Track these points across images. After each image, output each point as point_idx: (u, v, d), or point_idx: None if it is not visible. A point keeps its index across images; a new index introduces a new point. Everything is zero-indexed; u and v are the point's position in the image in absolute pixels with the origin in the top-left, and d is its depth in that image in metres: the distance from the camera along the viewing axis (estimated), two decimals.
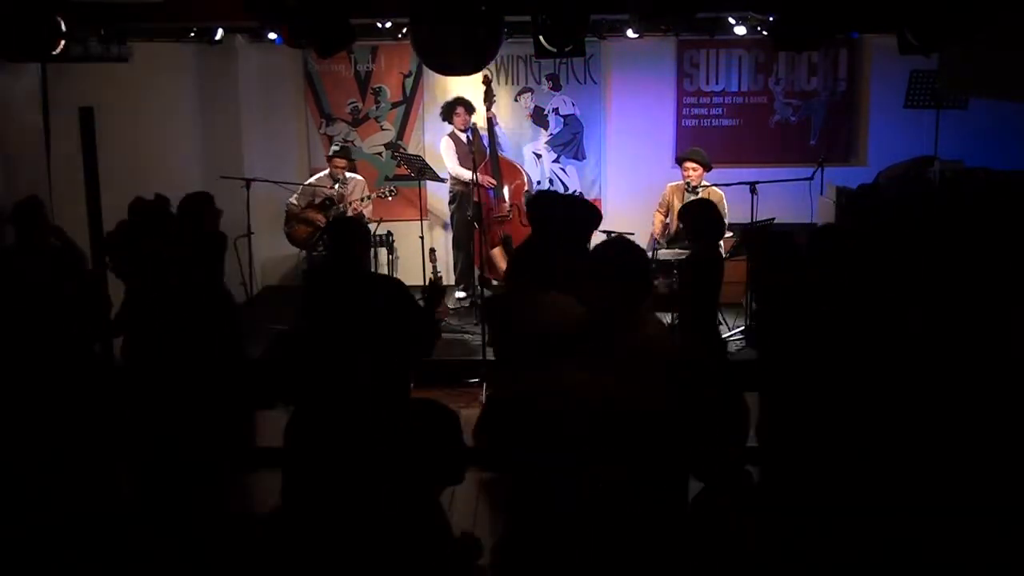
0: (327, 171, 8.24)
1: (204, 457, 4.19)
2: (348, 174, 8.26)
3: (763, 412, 4.00)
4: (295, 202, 8.15)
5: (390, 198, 8.25)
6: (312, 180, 8.26)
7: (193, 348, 4.14)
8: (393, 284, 4.70)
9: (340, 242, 4.49)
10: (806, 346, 3.71)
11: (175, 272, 4.39)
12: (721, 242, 7.54)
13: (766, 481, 3.99)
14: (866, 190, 6.44)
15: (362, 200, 8.11)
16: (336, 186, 8.17)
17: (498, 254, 8.13)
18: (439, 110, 8.54)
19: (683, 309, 4.90)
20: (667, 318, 6.68)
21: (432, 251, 8.13)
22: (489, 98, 8.17)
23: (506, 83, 9.04)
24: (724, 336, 7.41)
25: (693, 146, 8.28)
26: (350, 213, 8.06)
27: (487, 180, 7.98)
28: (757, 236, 5.92)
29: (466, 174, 8.06)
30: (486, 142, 8.18)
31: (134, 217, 5.38)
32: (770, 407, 3.83)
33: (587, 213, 4.84)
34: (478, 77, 7.93)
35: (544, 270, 3.93)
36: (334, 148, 8.59)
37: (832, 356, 3.65)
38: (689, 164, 7.71)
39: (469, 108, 8.27)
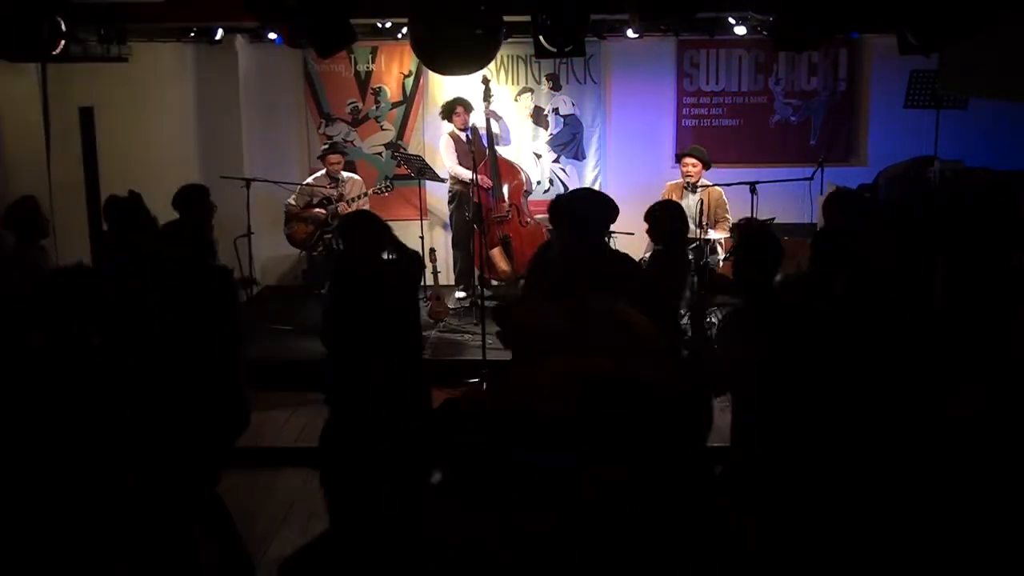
0: (324, 171, 8.23)
1: (203, 456, 4.18)
2: (344, 173, 8.25)
3: (759, 410, 4.00)
4: (293, 203, 8.14)
5: (387, 193, 8.24)
6: (310, 180, 8.25)
7: (193, 348, 4.14)
8: (403, 264, 4.77)
9: (349, 238, 4.55)
10: (801, 345, 3.71)
11: (175, 272, 4.39)
12: (721, 241, 7.60)
13: (762, 480, 3.98)
14: (845, 192, 6.36)
15: (359, 198, 8.10)
16: (334, 185, 8.15)
17: (497, 254, 8.14)
18: (439, 109, 8.54)
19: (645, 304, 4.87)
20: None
21: (432, 251, 8.14)
22: (487, 96, 8.17)
23: (506, 83, 9.04)
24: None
25: (695, 145, 8.28)
26: (350, 209, 8.05)
27: (484, 181, 7.98)
28: (751, 232, 5.82)
29: (465, 173, 8.06)
30: (485, 142, 8.19)
31: (109, 215, 5.37)
32: (764, 406, 3.83)
33: (601, 210, 4.85)
34: (477, 77, 7.94)
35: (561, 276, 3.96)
36: (323, 147, 8.56)
37: (830, 355, 3.65)
38: (689, 160, 7.67)
39: (468, 108, 8.26)
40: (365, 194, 8.14)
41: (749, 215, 7.36)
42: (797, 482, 3.54)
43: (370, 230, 4.69)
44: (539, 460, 2.80)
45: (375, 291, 4.36)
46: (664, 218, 5.11)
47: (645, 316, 3.42)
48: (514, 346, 3.75)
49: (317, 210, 8.04)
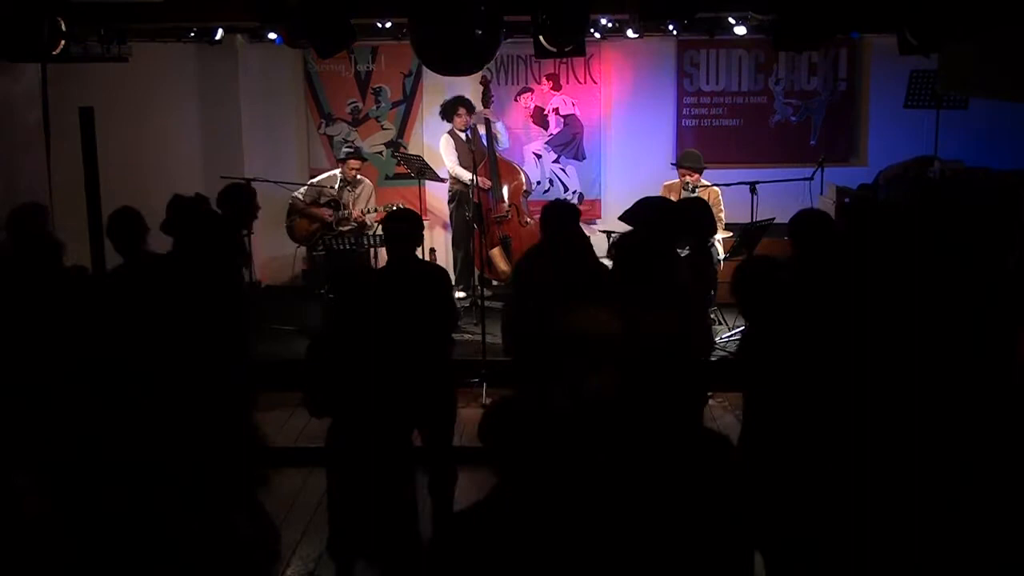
0: (338, 170, 8.23)
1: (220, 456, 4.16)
2: (358, 176, 8.27)
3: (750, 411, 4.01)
4: (300, 197, 8.14)
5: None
6: (320, 178, 8.26)
7: (210, 346, 4.13)
8: (437, 274, 4.80)
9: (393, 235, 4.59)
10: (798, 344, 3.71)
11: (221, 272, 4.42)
12: (720, 240, 7.60)
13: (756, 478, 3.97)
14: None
15: (368, 211, 8.11)
16: (337, 188, 8.15)
17: (497, 254, 8.14)
18: (439, 109, 8.54)
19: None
20: None
21: (432, 251, 8.15)
22: (487, 98, 8.18)
23: (506, 83, 9.04)
24: (724, 336, 7.44)
25: (692, 147, 8.30)
26: (353, 217, 8.08)
27: (483, 182, 7.99)
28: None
29: (465, 174, 8.07)
30: (485, 142, 8.19)
31: (173, 214, 5.29)
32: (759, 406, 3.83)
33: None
34: (477, 77, 7.94)
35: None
36: (347, 150, 8.53)
37: (828, 354, 3.65)
38: (683, 171, 7.74)
39: (470, 108, 8.27)
40: (375, 209, 8.14)
41: (750, 216, 7.38)
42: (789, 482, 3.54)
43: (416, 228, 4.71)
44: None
45: (399, 294, 4.31)
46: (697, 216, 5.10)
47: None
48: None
49: (324, 210, 8.05)
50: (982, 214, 5.81)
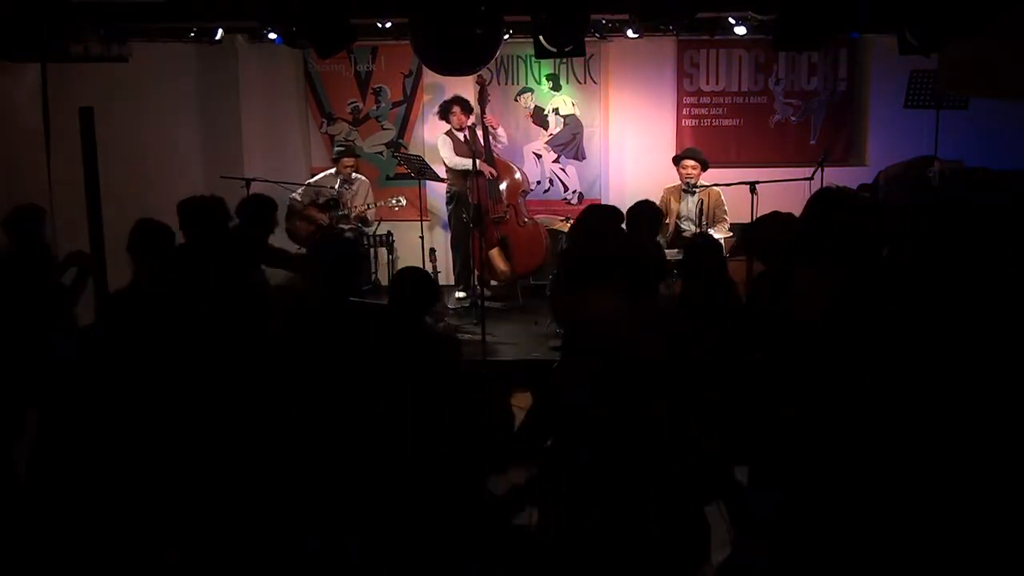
0: (333, 170, 8.25)
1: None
2: (354, 174, 8.30)
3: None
4: (298, 198, 8.16)
5: (396, 209, 8.28)
6: (317, 178, 8.27)
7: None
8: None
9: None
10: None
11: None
12: (721, 241, 7.59)
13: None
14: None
15: (367, 207, 8.12)
16: (337, 186, 8.18)
17: (496, 255, 8.14)
18: (437, 109, 8.55)
19: None
20: None
21: (432, 251, 8.15)
22: (483, 99, 8.17)
23: (506, 83, 9.04)
24: None
25: (692, 146, 8.29)
26: (354, 216, 8.08)
27: (488, 170, 7.98)
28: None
29: (466, 162, 8.00)
30: (483, 142, 8.19)
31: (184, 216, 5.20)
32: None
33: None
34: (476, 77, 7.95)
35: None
36: (338, 149, 8.58)
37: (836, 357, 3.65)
38: (688, 162, 7.70)
39: (466, 108, 8.27)
40: (374, 204, 8.16)
41: (750, 216, 7.37)
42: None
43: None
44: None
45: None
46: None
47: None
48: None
49: (320, 214, 8.07)
50: (982, 214, 5.80)
